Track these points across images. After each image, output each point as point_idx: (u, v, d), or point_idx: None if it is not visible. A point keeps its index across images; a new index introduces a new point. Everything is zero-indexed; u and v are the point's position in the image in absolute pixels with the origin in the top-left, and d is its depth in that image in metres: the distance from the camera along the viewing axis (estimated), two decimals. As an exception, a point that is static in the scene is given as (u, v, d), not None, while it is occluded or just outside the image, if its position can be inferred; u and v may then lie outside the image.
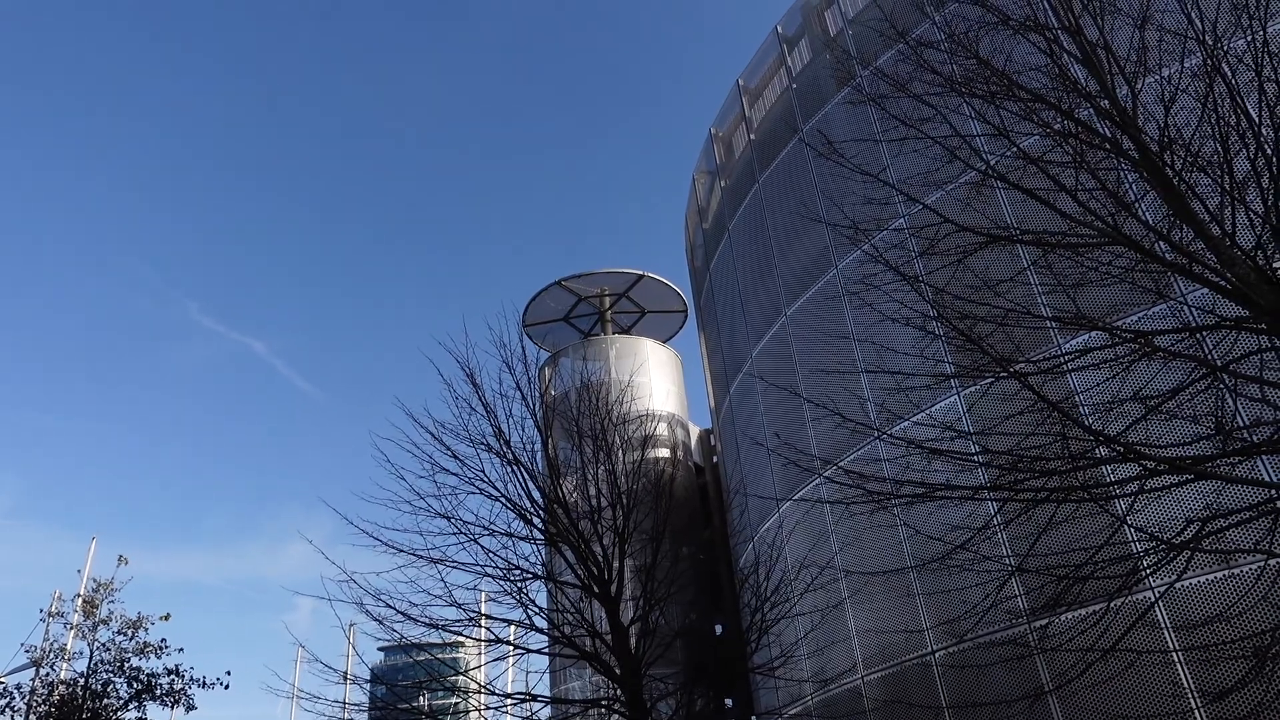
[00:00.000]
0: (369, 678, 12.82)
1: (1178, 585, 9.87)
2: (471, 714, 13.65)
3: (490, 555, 12.53)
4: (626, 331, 32.92)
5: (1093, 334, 10.06)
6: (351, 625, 16.28)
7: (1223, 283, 7.46)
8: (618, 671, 12.13)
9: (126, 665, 18.95)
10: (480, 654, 13.59)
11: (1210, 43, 7.84)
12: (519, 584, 12.60)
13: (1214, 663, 8.43)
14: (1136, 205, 9.10)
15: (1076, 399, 11.40)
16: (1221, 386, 7.76)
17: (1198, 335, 8.73)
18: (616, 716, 12.76)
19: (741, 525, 18.68)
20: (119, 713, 18.62)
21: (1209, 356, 8.41)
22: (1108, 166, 8.68)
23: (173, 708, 19.14)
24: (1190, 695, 10.02)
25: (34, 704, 18.79)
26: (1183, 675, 10.28)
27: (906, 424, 12.40)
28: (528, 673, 13.89)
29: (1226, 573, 10.20)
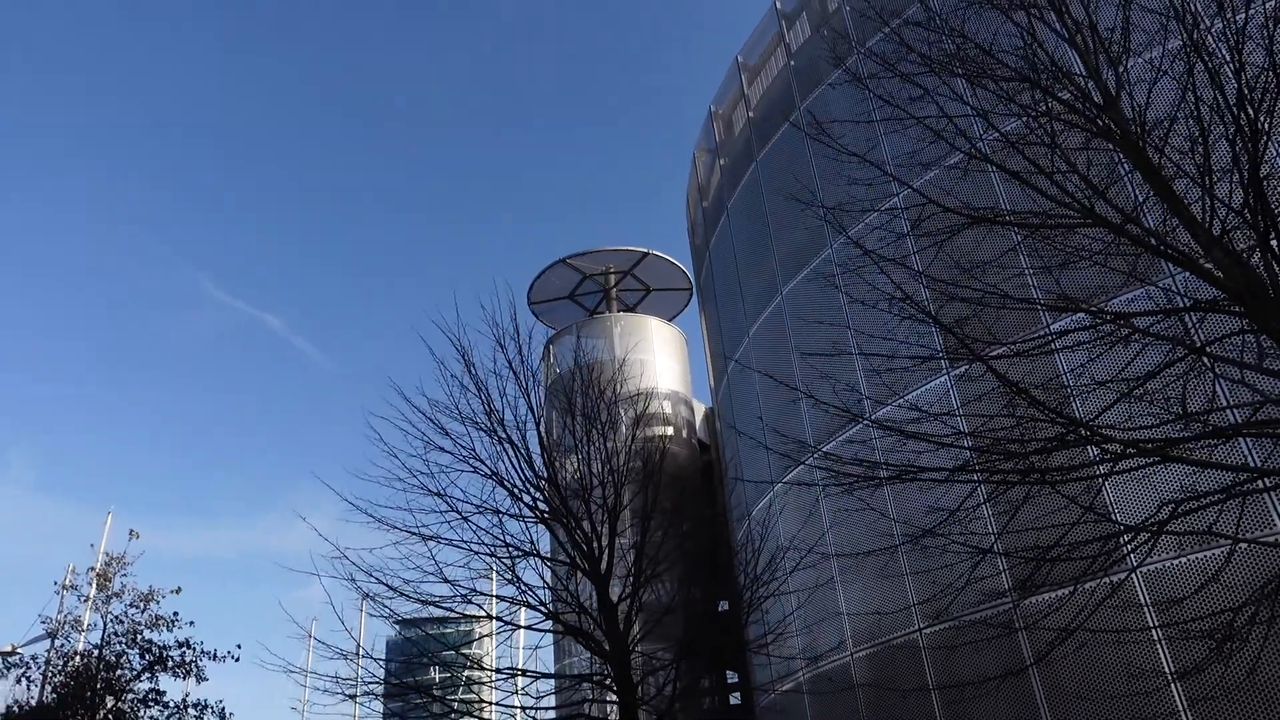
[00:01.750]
0: (371, 655, 13.03)
1: (1157, 566, 9.95)
2: (477, 689, 13.90)
3: (482, 533, 12.72)
4: (632, 309, 32.98)
5: (1075, 316, 10.08)
6: (363, 600, 16.57)
7: (1201, 264, 7.47)
8: (607, 648, 12.32)
9: (139, 637, 19.33)
10: (487, 631, 13.80)
11: (1189, 24, 7.78)
12: (510, 561, 12.80)
13: (1191, 639, 8.51)
14: (1124, 185, 9.09)
15: (1065, 380, 11.42)
16: (1196, 369, 7.78)
17: (1178, 318, 8.73)
18: (608, 692, 12.97)
19: (737, 503, 18.82)
20: (132, 683, 19.03)
21: (1189, 338, 8.42)
22: (1090, 148, 8.66)
23: (184, 679, 19.54)
24: (1168, 671, 10.11)
25: (49, 674, 19.25)
26: (1161, 652, 10.38)
27: (892, 406, 12.46)
28: (523, 649, 14.14)
29: (1202, 554, 10.26)
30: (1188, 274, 9.79)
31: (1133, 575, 10.51)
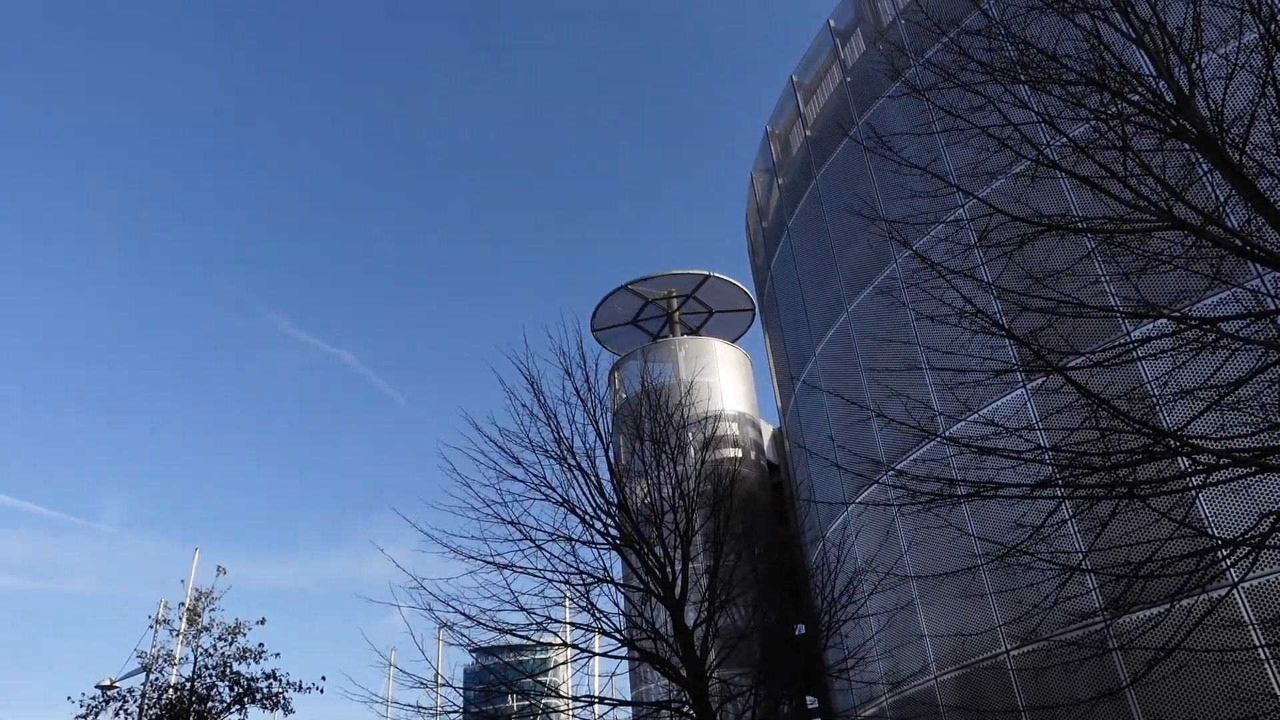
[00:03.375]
0: (445, 683, 13.20)
1: (1260, 581, 9.46)
2: (554, 717, 13.93)
3: (555, 560, 12.80)
4: (695, 332, 32.97)
5: (1156, 323, 9.73)
6: (441, 629, 16.80)
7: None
8: (683, 674, 12.22)
9: (228, 670, 19.89)
10: (566, 658, 13.85)
11: (1266, 15, 7.52)
12: (584, 588, 12.83)
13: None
14: (1201, 186, 8.79)
15: (1150, 388, 11.00)
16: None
17: (1269, 320, 8.36)
18: (685, 719, 12.85)
19: (810, 525, 18.55)
20: (222, 715, 19.58)
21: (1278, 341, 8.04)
22: (1164, 149, 8.40)
23: (272, 710, 20.04)
24: (1277, 691, 9.57)
25: (145, 707, 19.94)
26: (1270, 671, 9.83)
27: (965, 422, 12.17)
28: (601, 676, 14.12)
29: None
30: (1277, 274, 9.40)
31: (1234, 592, 10.01)
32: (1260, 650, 9.89)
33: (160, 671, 21.35)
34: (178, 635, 21.34)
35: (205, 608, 20.69)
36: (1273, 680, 9.84)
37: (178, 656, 21.45)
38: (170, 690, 20.32)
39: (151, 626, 22.42)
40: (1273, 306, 9.32)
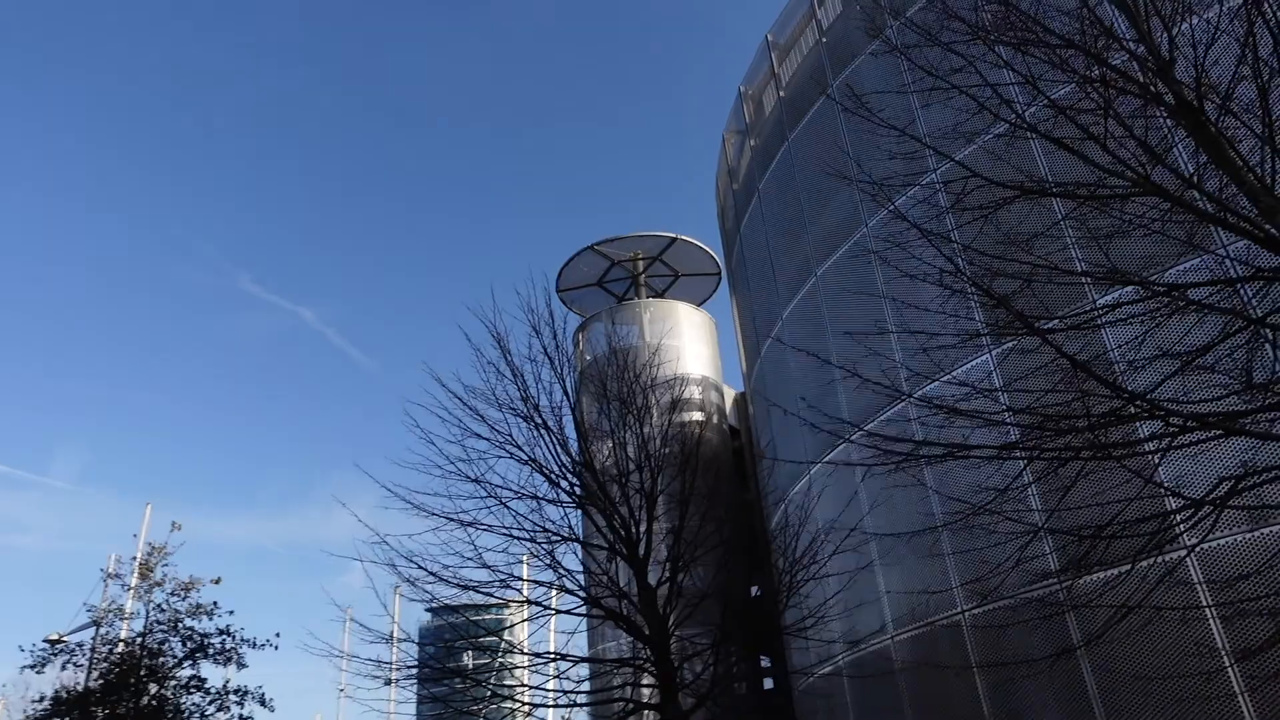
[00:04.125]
0: (405, 639, 13.10)
1: (1211, 544, 9.68)
2: (513, 672, 13.93)
3: (520, 518, 12.71)
4: (660, 295, 32.83)
5: (1125, 289, 9.80)
6: (397, 587, 16.69)
7: (1261, 232, 7.20)
8: (646, 632, 12.27)
9: (180, 625, 19.64)
10: (520, 614, 13.83)
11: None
12: (548, 547, 12.78)
13: (1249, 618, 8.28)
14: (1173, 153, 8.80)
15: (1112, 355, 11.14)
16: (1258, 340, 7.52)
17: (1234, 288, 8.46)
18: (646, 676, 12.93)
19: (772, 487, 18.68)
20: (174, 670, 19.36)
21: (1246, 309, 8.14)
22: (1141, 114, 8.38)
23: (225, 666, 19.85)
24: (1224, 652, 9.86)
25: (95, 661, 19.64)
26: (1215, 632, 10.12)
27: (936, 384, 12.24)
28: (560, 634, 14.12)
29: (1261, 531, 9.97)
30: (1246, 243, 9.51)
31: (1177, 554, 10.25)
32: (1208, 611, 10.16)
33: (111, 626, 21.01)
34: (129, 590, 20.98)
35: (158, 563, 20.36)
36: (1217, 637, 10.14)
37: (129, 611, 21.13)
38: (121, 645, 20.02)
39: (103, 581, 22.02)
40: (1239, 274, 9.44)
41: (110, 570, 22.00)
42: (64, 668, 19.63)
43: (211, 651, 19.39)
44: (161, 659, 19.03)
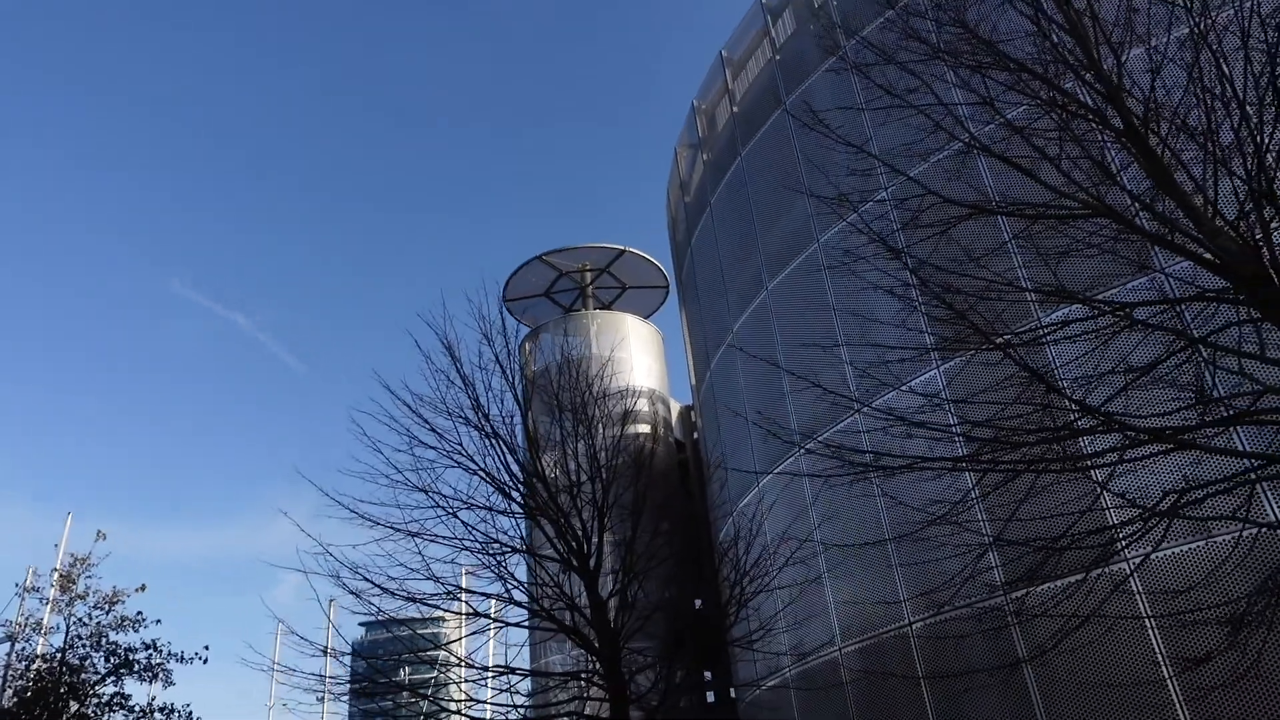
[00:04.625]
0: (348, 652, 12.72)
1: (1155, 556, 9.94)
2: (450, 687, 13.62)
3: (469, 529, 12.46)
4: (608, 307, 32.77)
5: (1073, 307, 10.05)
6: (331, 600, 16.21)
7: (1204, 254, 7.45)
8: (596, 645, 12.12)
9: (104, 640, 18.75)
10: (460, 628, 13.55)
11: (1198, 10, 7.76)
12: (498, 558, 12.55)
13: (1189, 630, 8.52)
14: (1120, 177, 9.07)
15: (1056, 372, 11.42)
16: (1200, 359, 7.78)
17: (1177, 307, 8.74)
18: (595, 689, 12.77)
19: (722, 499, 18.71)
20: (96, 687, 18.45)
21: (1188, 329, 8.42)
22: (1092, 139, 8.62)
23: (151, 683, 18.98)
24: (1163, 664, 10.14)
25: (9, 678, 18.61)
26: (1155, 643, 10.41)
27: (888, 397, 12.39)
28: (507, 646, 13.87)
29: (1204, 543, 10.30)
30: (1185, 263, 9.86)
31: (1125, 566, 10.53)
32: (1147, 621, 10.44)
33: (28, 641, 19.97)
34: (48, 603, 19.97)
35: (81, 574, 19.39)
36: (1157, 648, 10.42)
37: (47, 625, 20.12)
38: (38, 661, 19.02)
39: (18, 594, 20.92)
40: (1175, 295, 9.77)
41: (27, 583, 20.96)
42: (-26, 686, 18.57)
43: (137, 667, 18.52)
44: (83, 675, 18.12)
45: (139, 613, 18.92)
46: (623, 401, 18.50)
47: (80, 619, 18.68)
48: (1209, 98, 7.62)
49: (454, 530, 12.49)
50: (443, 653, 13.65)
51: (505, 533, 12.84)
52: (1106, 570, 9.30)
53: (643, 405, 26.26)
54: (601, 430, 14.32)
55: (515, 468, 13.16)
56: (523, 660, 15.45)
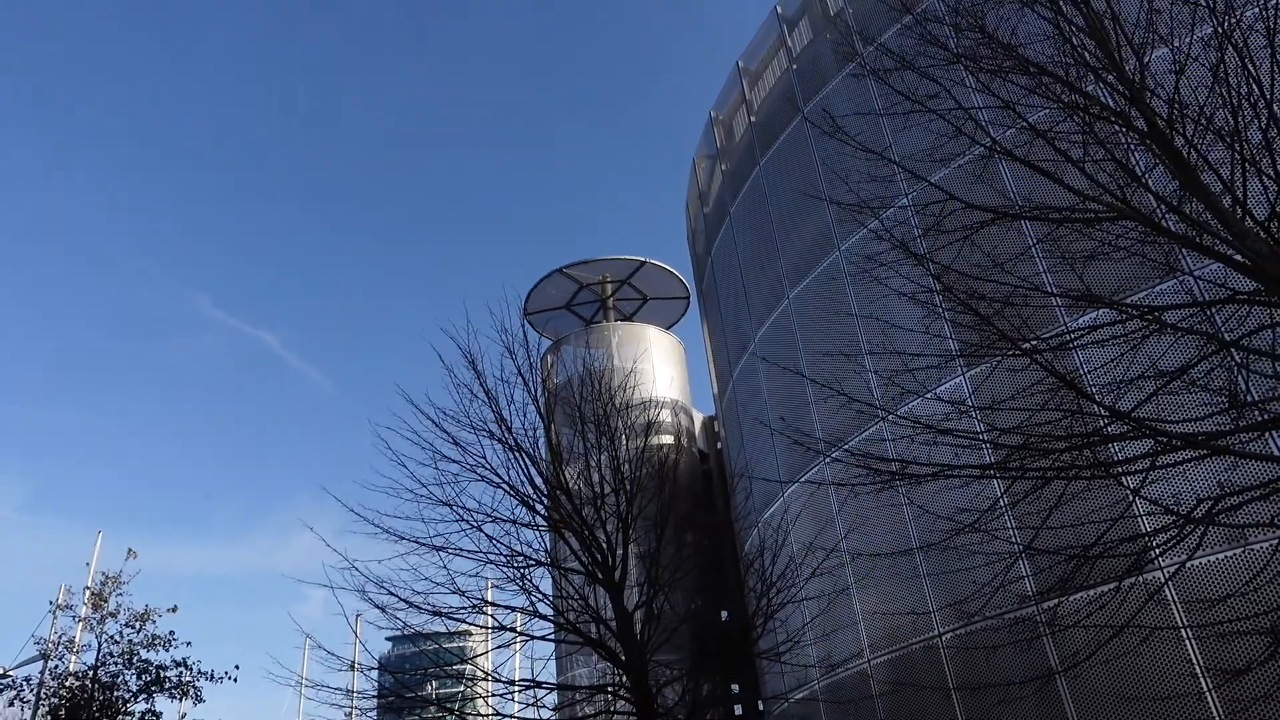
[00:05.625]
0: (375, 667, 12.74)
1: (1190, 564, 9.76)
2: (477, 701, 13.60)
3: (493, 542, 12.47)
4: (629, 318, 32.80)
5: (1101, 311, 9.92)
6: (358, 615, 16.27)
7: (1235, 255, 7.32)
8: (622, 658, 12.06)
9: (135, 658, 18.93)
10: (486, 642, 13.53)
11: (1221, 9, 7.66)
12: (522, 571, 12.54)
13: (1228, 640, 8.34)
14: (1145, 179, 8.95)
15: (1084, 377, 11.26)
16: (1232, 362, 7.63)
17: (1208, 310, 8.60)
18: (621, 703, 12.70)
19: (746, 510, 18.60)
20: (128, 705, 18.61)
21: (1219, 332, 8.28)
22: (1115, 141, 8.52)
23: (181, 700, 19.12)
24: (1201, 676, 9.92)
25: (43, 696, 18.82)
26: (1193, 654, 10.19)
27: (913, 404, 12.28)
28: (533, 659, 13.84)
29: (1240, 550, 10.08)
30: (1214, 265, 9.71)
31: (1159, 575, 10.34)
32: (1184, 632, 10.22)
33: (61, 659, 20.20)
34: (80, 621, 20.20)
35: (111, 592, 19.59)
36: (1195, 659, 10.20)
37: (79, 643, 20.33)
38: (71, 679, 19.22)
39: (52, 612, 21.18)
40: (1203, 298, 9.62)
41: (60, 601, 21.21)
42: (10, 704, 18.78)
43: (168, 685, 18.67)
44: (115, 693, 18.29)
45: (170, 632, 19.11)
46: (645, 413, 18.46)
47: (112, 637, 18.88)
48: (1235, 97, 7.51)
49: (478, 544, 12.51)
50: (469, 667, 13.61)
51: (529, 545, 12.84)
52: (1140, 579, 9.13)
53: (665, 416, 26.21)
54: (625, 442, 14.29)
55: (539, 480, 13.17)
56: (549, 674, 15.42)
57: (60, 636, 20.60)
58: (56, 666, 19.74)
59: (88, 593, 20.06)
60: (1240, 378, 7.57)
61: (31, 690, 19.00)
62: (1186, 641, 10.30)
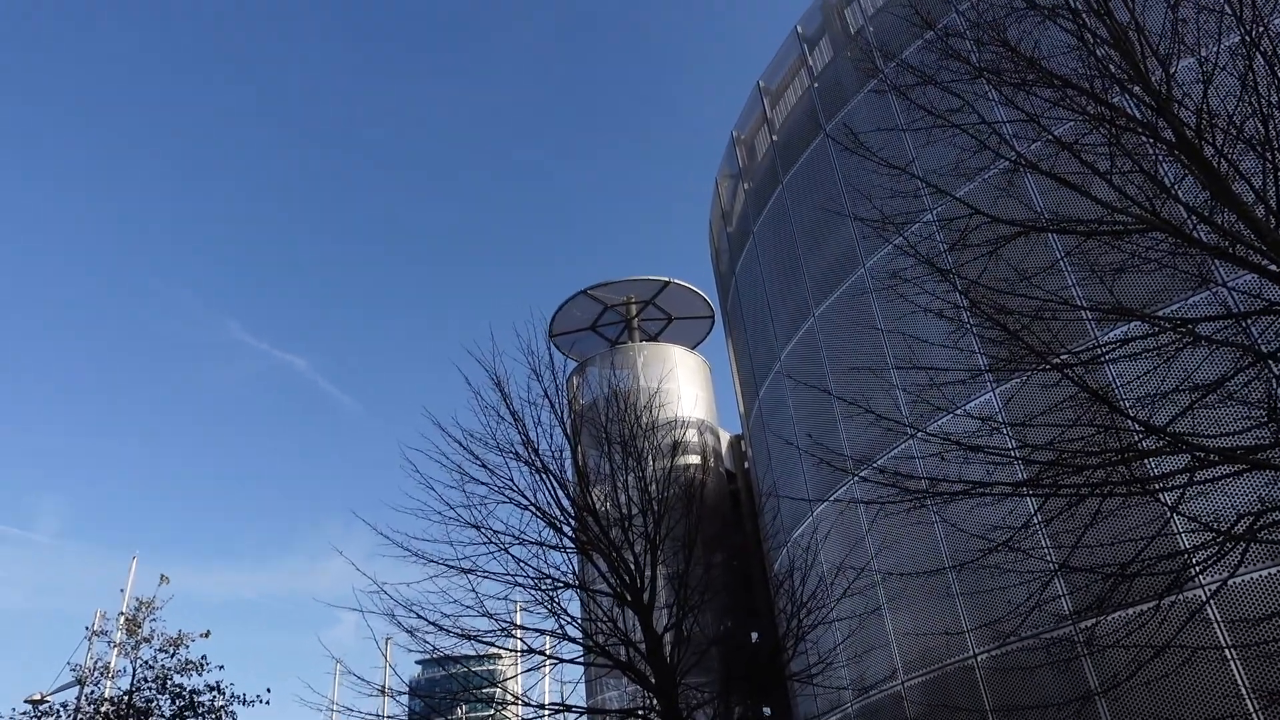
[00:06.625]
0: (406, 691, 12.75)
1: (1232, 582, 9.53)
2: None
3: (521, 564, 12.46)
4: (654, 339, 32.78)
5: (1132, 324, 9.77)
6: (388, 639, 16.31)
7: (1269, 266, 7.19)
8: (653, 680, 11.96)
9: (169, 683, 19.11)
10: (515, 665, 13.50)
11: (1249, 18, 7.58)
12: (550, 593, 12.50)
13: (1273, 660, 8.11)
14: (1175, 190, 8.84)
15: (1117, 391, 11.08)
16: (1270, 375, 7.48)
17: (1243, 322, 8.44)
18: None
19: (774, 530, 18.44)
20: (163, 729, 18.77)
21: (1256, 343, 8.12)
22: (1143, 152, 8.42)
23: (215, 725, 19.25)
24: (1247, 697, 9.64)
25: (79, 720, 19.03)
26: (1238, 675, 9.91)
27: (943, 420, 12.14)
28: (563, 683, 13.77)
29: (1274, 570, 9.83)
30: (1249, 276, 9.54)
31: (1200, 593, 10.09)
32: (1228, 652, 9.96)
33: (96, 685, 20.42)
34: (115, 647, 20.43)
35: (146, 618, 19.81)
36: (1239, 679, 9.92)
37: (114, 669, 20.55)
38: (107, 704, 19.41)
39: (87, 638, 21.46)
40: (1243, 308, 9.45)
41: (96, 626, 21.48)
42: (47, 730, 19.01)
43: (201, 710, 18.80)
44: (149, 718, 18.45)
45: (203, 657, 19.28)
46: (672, 433, 18.43)
47: (146, 662, 19.08)
48: (1266, 105, 7.41)
49: (506, 566, 12.51)
50: (498, 690, 13.57)
51: (557, 568, 12.82)
52: (1180, 597, 8.93)
53: (692, 436, 26.12)
54: (651, 462, 14.25)
55: (566, 502, 13.16)
56: (578, 697, 15.34)
57: (96, 662, 20.87)
58: (92, 692, 19.97)
59: (122, 618, 20.31)
60: (1277, 389, 7.41)
61: (69, 716, 19.21)
62: (1231, 662, 10.03)
